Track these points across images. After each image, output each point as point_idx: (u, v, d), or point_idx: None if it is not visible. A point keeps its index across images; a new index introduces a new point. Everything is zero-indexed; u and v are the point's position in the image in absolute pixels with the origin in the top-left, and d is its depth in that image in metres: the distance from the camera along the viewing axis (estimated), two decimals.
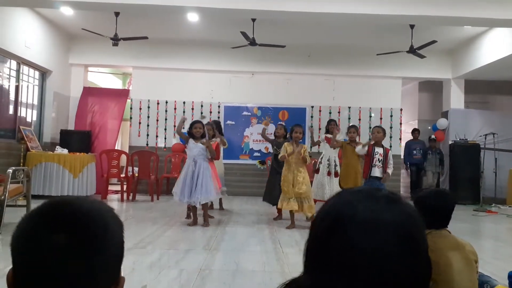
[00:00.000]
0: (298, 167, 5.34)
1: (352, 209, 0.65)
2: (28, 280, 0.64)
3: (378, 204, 0.66)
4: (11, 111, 7.66)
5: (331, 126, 6.64)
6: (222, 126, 9.37)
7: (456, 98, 9.59)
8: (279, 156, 5.50)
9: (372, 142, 5.37)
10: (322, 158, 6.47)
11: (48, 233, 0.64)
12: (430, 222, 2.03)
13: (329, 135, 6.69)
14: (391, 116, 9.58)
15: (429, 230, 2.02)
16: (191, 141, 5.27)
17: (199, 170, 5.14)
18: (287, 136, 5.95)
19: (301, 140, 5.50)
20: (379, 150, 5.31)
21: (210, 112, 9.45)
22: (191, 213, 5.36)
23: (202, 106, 9.44)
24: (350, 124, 6.67)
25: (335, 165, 6.33)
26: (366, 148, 5.34)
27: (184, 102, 9.42)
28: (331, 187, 6.32)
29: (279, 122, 6.56)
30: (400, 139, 9.65)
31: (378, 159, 5.26)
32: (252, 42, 7.41)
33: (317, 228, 0.68)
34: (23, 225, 0.68)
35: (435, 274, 1.81)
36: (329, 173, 6.23)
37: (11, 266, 0.67)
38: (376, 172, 5.26)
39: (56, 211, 0.68)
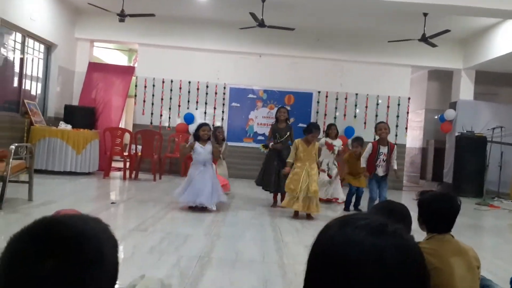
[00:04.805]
0: (311, 164, 5.10)
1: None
2: None
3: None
4: (15, 83, 7.61)
5: (331, 130, 6.66)
6: (227, 108, 9.35)
7: (465, 89, 9.43)
8: (288, 160, 5.24)
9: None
10: (321, 162, 6.42)
11: (38, 259, 0.61)
12: (434, 226, 2.00)
13: (329, 140, 6.59)
14: (399, 104, 9.46)
15: (432, 234, 1.99)
16: (197, 145, 5.15)
17: (210, 173, 5.13)
18: (289, 121, 5.92)
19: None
20: (384, 150, 5.29)
21: (216, 93, 9.37)
22: None
23: (207, 86, 9.35)
24: (355, 137, 6.66)
25: (333, 168, 6.57)
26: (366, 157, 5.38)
27: (189, 82, 9.33)
28: (333, 186, 6.43)
29: (283, 106, 6.47)
30: (406, 128, 9.56)
31: (383, 159, 5.29)
32: (261, 24, 7.27)
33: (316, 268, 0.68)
34: (12, 246, 0.64)
35: (437, 280, 1.79)
36: (329, 176, 6.26)
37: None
38: (380, 171, 5.32)
39: (47, 232, 0.65)
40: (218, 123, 9.06)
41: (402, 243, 0.66)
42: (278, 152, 5.71)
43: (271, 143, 5.85)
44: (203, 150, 5.12)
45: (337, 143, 6.62)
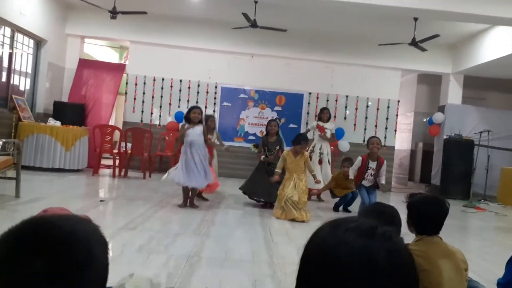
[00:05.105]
0: (299, 174, 5.19)
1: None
2: None
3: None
4: (3, 78, 7.50)
5: (323, 114, 6.86)
6: (218, 107, 9.34)
7: (454, 93, 9.56)
8: (276, 169, 5.30)
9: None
10: (314, 146, 6.52)
11: (26, 259, 0.60)
12: (422, 228, 2.03)
13: (321, 123, 6.75)
14: (388, 107, 9.54)
15: (421, 236, 2.02)
16: (187, 126, 5.16)
17: (198, 154, 5.10)
18: (279, 133, 5.95)
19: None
20: (373, 164, 5.19)
21: (207, 92, 9.35)
22: (183, 195, 5.32)
23: (199, 85, 9.33)
24: (345, 157, 6.57)
25: (327, 154, 6.58)
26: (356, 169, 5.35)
27: (180, 81, 9.29)
28: (323, 176, 6.45)
29: (272, 118, 6.50)
30: (395, 130, 9.65)
31: (371, 174, 5.21)
32: (253, 24, 7.28)
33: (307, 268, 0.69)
34: (0, 246, 0.63)
35: (426, 281, 1.82)
36: (320, 162, 6.25)
37: None
38: (366, 183, 5.25)
39: (35, 233, 0.63)
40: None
41: (392, 245, 0.67)
42: (269, 164, 5.74)
43: (263, 156, 5.88)
44: (191, 131, 5.10)
45: (329, 126, 6.83)
